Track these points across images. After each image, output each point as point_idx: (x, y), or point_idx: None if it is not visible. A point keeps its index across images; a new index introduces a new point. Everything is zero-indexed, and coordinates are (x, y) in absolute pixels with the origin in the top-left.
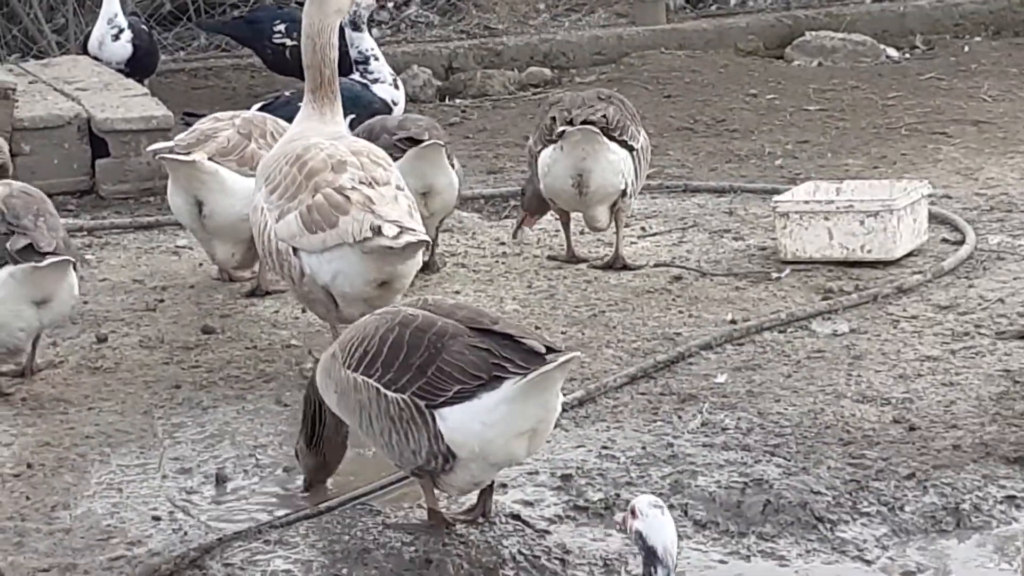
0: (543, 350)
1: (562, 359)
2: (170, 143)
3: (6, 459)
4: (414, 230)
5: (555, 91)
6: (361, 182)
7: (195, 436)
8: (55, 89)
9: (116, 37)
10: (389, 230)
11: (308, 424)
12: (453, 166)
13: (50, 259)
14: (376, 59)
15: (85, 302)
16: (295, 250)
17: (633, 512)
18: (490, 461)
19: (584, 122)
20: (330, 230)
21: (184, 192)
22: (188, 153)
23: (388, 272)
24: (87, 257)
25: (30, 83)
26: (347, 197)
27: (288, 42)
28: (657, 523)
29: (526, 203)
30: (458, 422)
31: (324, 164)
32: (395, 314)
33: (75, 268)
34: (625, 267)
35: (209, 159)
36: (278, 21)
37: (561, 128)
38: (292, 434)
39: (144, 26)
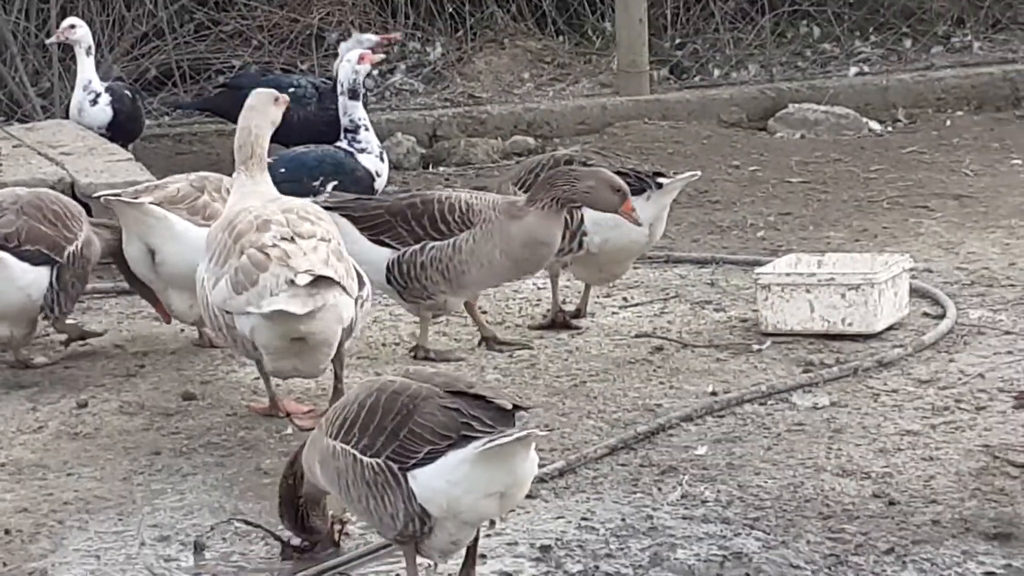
0: (509, 407)
1: (517, 434)
2: (118, 191)
3: None
4: (328, 277)
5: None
6: (283, 238)
7: (174, 503)
8: (39, 153)
9: (94, 102)
10: (301, 279)
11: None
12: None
13: None
14: (366, 129)
15: (67, 367)
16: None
17: None
18: (462, 519)
19: (656, 174)
20: (252, 288)
21: (136, 239)
22: (136, 198)
23: (294, 329)
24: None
25: (14, 147)
26: (267, 255)
27: None
28: None
29: None
30: (427, 480)
31: (250, 225)
32: (375, 382)
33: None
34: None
35: (158, 205)
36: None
37: (683, 176)
38: (272, 502)
39: (127, 91)
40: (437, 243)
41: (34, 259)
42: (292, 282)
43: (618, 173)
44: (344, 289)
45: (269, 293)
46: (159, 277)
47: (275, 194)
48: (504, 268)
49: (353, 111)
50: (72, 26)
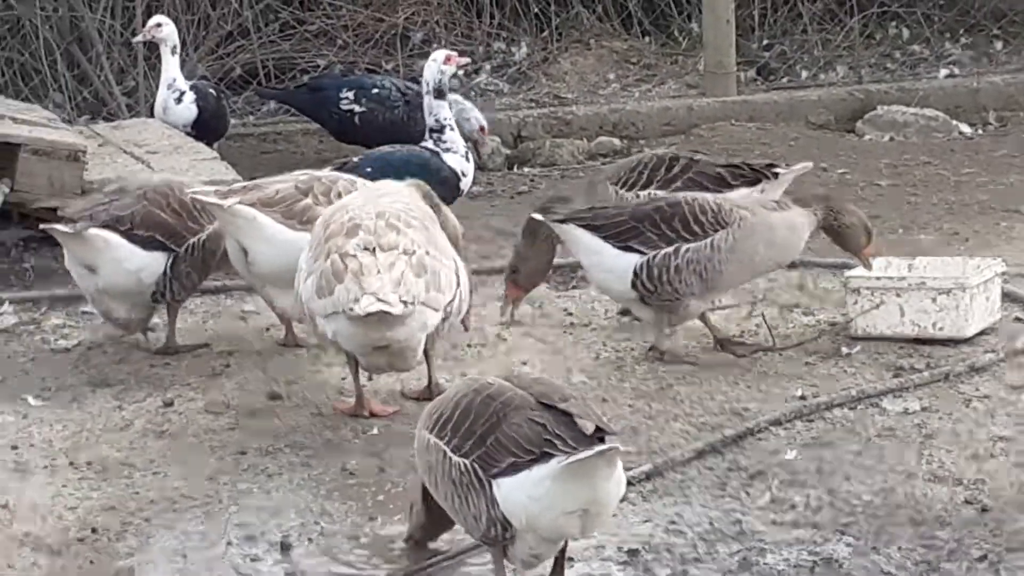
0: (590, 430)
1: (598, 449)
2: (211, 188)
3: (71, 523)
4: (388, 302)
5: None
6: (366, 248)
7: (260, 503)
8: (124, 151)
9: (179, 100)
10: (364, 302)
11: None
12: None
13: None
14: (452, 129)
15: (152, 365)
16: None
17: None
18: (541, 535)
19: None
20: (328, 297)
21: (230, 237)
22: (226, 197)
23: (377, 338)
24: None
25: (100, 145)
26: (346, 265)
27: (356, 108)
28: None
29: (523, 279)
30: (509, 492)
31: (340, 228)
32: (476, 381)
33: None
34: None
35: (250, 206)
36: (345, 88)
37: (796, 167)
38: (357, 502)
39: (212, 90)
40: (692, 244)
41: (147, 244)
42: (357, 301)
43: (730, 166)
44: (411, 303)
45: (341, 308)
46: (253, 275)
47: (394, 193)
48: (762, 264)
49: (439, 111)
50: (159, 24)
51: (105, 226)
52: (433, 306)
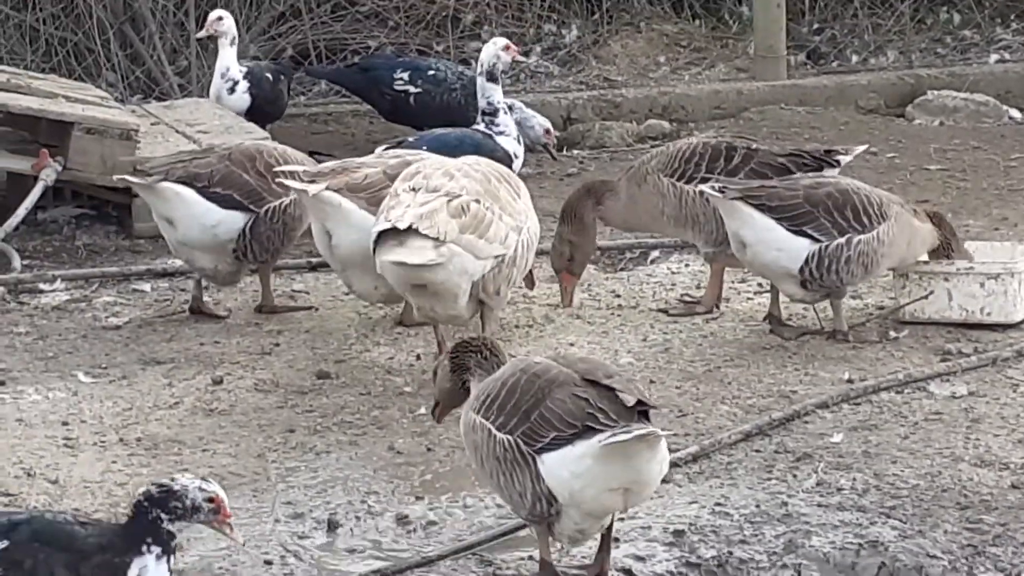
0: (631, 403)
1: (637, 432)
2: (300, 168)
3: (120, 498)
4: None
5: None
6: (412, 188)
7: (308, 481)
8: (177, 131)
9: (232, 90)
10: (379, 225)
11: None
12: None
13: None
14: (504, 112)
15: (201, 343)
16: None
17: None
18: (584, 510)
19: (828, 151)
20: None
21: (315, 219)
22: (313, 182)
23: (410, 277)
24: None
25: (152, 124)
26: (389, 204)
27: (411, 89)
28: None
29: (576, 266)
30: (552, 467)
31: (406, 176)
32: (522, 361)
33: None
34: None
35: (336, 191)
36: (400, 69)
37: (856, 149)
38: (404, 481)
39: (268, 73)
40: (862, 236)
41: (223, 201)
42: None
43: (792, 155)
44: (438, 240)
45: (372, 240)
46: (335, 258)
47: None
48: (898, 261)
49: (492, 93)
50: (220, 18)
51: (180, 181)
52: (470, 250)
